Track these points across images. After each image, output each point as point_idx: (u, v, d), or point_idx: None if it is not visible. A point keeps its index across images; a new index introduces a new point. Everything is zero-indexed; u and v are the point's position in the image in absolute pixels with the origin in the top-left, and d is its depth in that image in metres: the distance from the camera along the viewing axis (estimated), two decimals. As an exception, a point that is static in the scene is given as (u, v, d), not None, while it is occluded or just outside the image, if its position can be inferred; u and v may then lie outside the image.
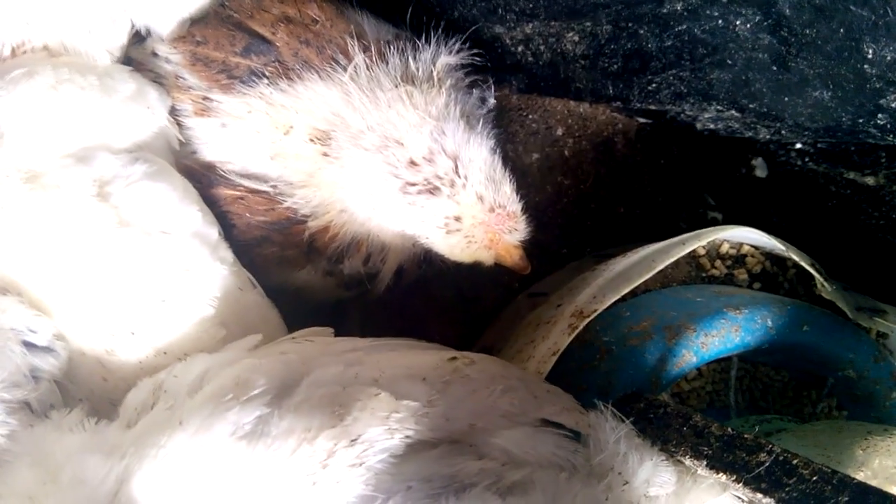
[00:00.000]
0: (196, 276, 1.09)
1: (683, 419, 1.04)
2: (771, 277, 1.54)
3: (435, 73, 1.19)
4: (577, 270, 1.49)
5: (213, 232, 1.14)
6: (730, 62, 1.24)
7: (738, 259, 1.54)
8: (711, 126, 1.50)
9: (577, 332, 1.20)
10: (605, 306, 1.22)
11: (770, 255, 1.53)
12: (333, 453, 0.83)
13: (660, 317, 1.34)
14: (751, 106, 1.31)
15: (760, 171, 1.68)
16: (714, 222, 1.69)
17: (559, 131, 1.67)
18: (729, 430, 1.00)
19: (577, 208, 1.67)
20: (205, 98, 1.17)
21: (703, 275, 1.52)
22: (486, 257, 1.21)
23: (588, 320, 1.21)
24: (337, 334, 1.14)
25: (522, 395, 1.01)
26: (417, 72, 1.18)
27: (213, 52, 1.17)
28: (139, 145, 1.13)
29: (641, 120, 1.68)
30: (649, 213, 1.70)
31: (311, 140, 1.15)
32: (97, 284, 1.04)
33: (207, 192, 1.19)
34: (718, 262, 1.53)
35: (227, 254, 1.15)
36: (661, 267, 1.27)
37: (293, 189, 1.18)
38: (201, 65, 1.17)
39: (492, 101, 1.31)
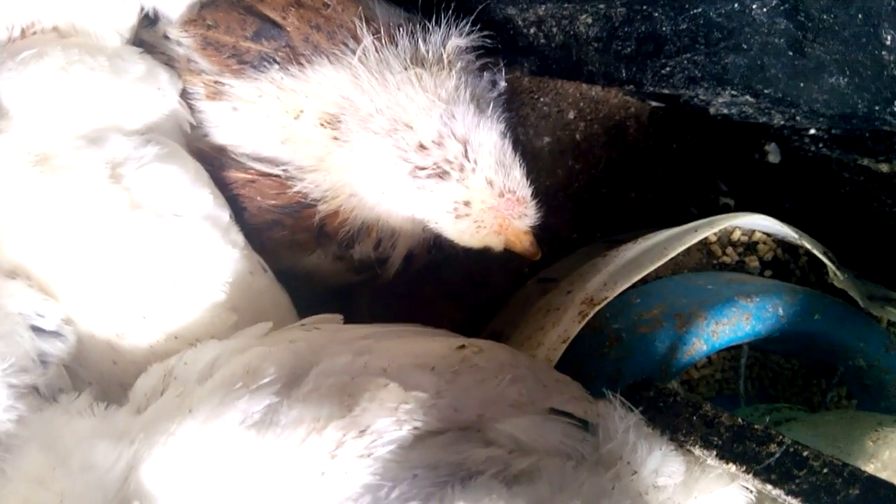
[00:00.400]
0: (208, 260, 1.08)
1: (693, 408, 1.04)
2: (782, 265, 1.53)
3: (445, 56, 1.18)
4: (587, 256, 1.47)
5: (225, 215, 1.13)
6: (745, 47, 1.23)
7: (750, 246, 1.52)
8: (725, 111, 1.47)
9: (587, 319, 1.19)
10: (616, 294, 1.21)
11: (782, 243, 1.52)
12: (342, 444, 0.83)
13: (670, 304, 1.33)
14: (766, 91, 1.29)
15: (773, 157, 1.65)
16: (726, 208, 1.67)
17: (571, 115, 1.64)
18: (739, 420, 0.99)
19: (587, 193, 1.65)
20: (216, 82, 1.16)
21: (715, 262, 1.51)
22: (496, 243, 1.20)
23: (599, 308, 1.20)
24: (346, 319, 1.13)
25: (531, 384, 1.01)
26: (427, 54, 1.17)
27: (223, 37, 1.16)
28: (150, 127, 1.12)
29: (654, 104, 1.65)
30: (661, 199, 1.68)
31: (321, 124, 1.14)
32: (108, 268, 1.03)
33: (218, 175, 1.18)
34: (730, 249, 1.51)
35: (239, 237, 1.14)
36: (673, 254, 1.25)
37: (303, 173, 1.17)
38: (212, 49, 1.16)
39: (503, 84, 1.29)
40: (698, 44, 1.26)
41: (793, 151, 1.61)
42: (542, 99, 1.63)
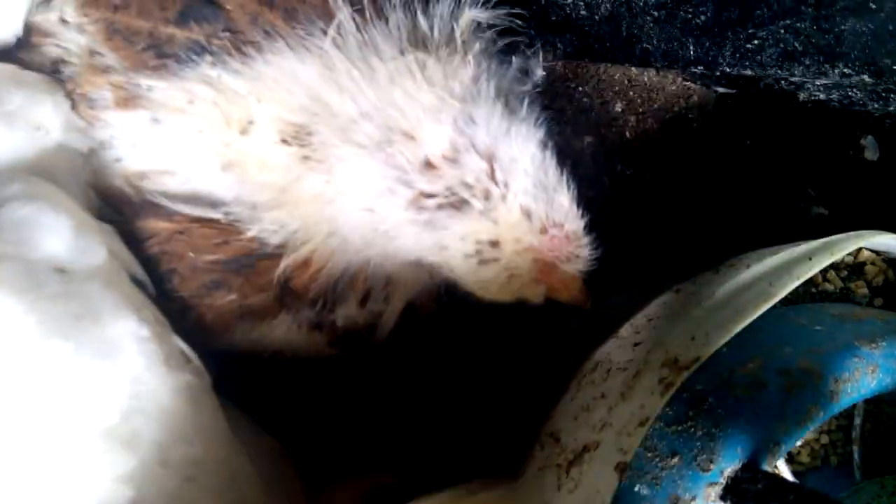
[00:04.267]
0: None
1: (831, 513, 0.78)
2: (893, 290, 1.27)
3: (458, 34, 0.91)
4: (650, 291, 1.17)
5: (130, 323, 0.77)
6: (874, 6, 0.97)
7: (856, 269, 1.27)
8: (821, 96, 1.23)
9: (673, 390, 0.92)
10: (710, 352, 0.94)
11: (893, 262, 1.26)
12: None
13: (770, 354, 1.04)
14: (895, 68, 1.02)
15: (871, 153, 1.41)
16: (819, 219, 1.40)
17: (618, 107, 1.39)
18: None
19: (641, 205, 1.40)
20: (129, 82, 0.87)
21: (814, 290, 1.26)
22: (535, 294, 0.95)
23: (689, 373, 0.92)
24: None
25: None
26: (432, 32, 0.90)
27: (136, 21, 0.87)
28: (14, 168, 0.80)
29: (722, 90, 1.40)
30: (734, 210, 1.41)
31: (283, 140, 0.86)
32: None
33: (133, 227, 0.89)
34: (832, 273, 1.26)
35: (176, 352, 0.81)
36: (783, 294, 0.97)
37: (258, 212, 0.88)
38: (120, 39, 0.87)
39: (539, 72, 1.01)
40: (805, 5, 1.01)
41: (894, 146, 1.39)
42: (580, 88, 1.38)
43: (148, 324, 0.78)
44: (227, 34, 0.86)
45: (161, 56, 0.86)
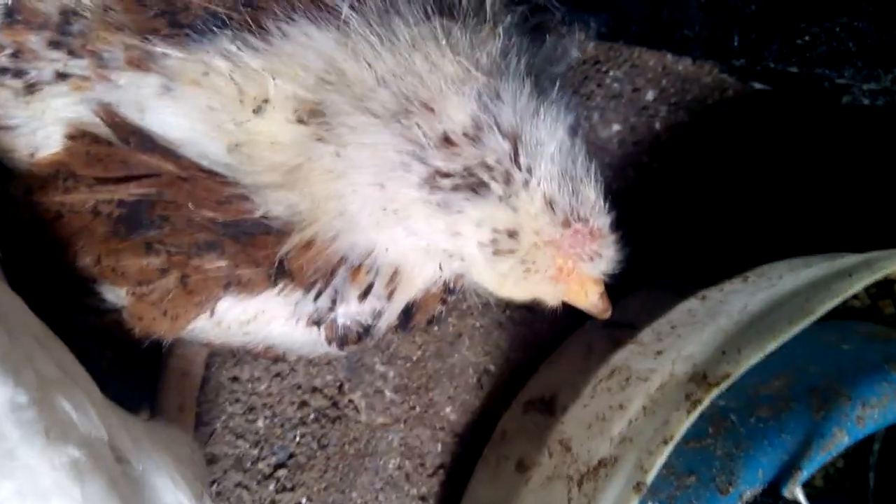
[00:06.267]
0: None
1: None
2: None
3: (488, 4, 0.84)
4: (673, 294, 1.14)
5: None
6: None
7: (885, 286, 1.19)
8: (866, 101, 1.17)
9: (701, 408, 0.88)
10: (742, 370, 0.90)
11: None
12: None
13: (798, 373, 1.02)
14: (954, 77, 1.00)
15: None
16: (854, 229, 1.33)
17: (650, 95, 1.35)
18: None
19: (667, 202, 1.35)
20: (144, 44, 0.79)
21: (840, 306, 1.17)
22: (551, 295, 0.88)
23: (718, 391, 0.88)
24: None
25: None
26: (459, 1, 0.83)
27: None
28: None
29: (759, 86, 1.35)
30: (765, 211, 1.37)
31: (298, 119, 0.79)
32: None
33: (135, 158, 0.81)
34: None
35: None
36: (821, 313, 0.93)
37: (265, 193, 0.81)
38: (133, 1, 0.80)
39: (574, 53, 0.94)
40: (866, 2, 0.98)
41: (931, 151, 1.35)
42: (612, 72, 1.34)
43: (25, 388, 0.67)
44: (249, 9, 0.79)
45: (175, 26, 0.79)
